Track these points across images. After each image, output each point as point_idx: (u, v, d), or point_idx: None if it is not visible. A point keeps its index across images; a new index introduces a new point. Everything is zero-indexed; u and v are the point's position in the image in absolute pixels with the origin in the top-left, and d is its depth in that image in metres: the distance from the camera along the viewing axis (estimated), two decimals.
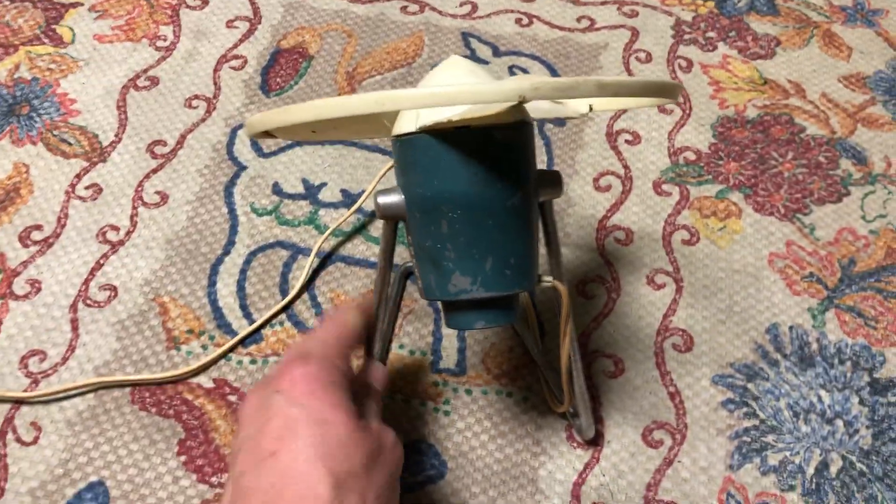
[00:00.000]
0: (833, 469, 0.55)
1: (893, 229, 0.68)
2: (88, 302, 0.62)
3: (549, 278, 0.45)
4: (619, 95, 0.35)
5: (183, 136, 0.72)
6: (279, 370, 0.42)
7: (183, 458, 0.55)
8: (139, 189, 0.68)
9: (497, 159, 0.41)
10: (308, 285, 0.63)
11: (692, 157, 0.72)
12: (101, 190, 0.68)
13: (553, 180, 0.44)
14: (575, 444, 0.56)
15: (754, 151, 0.72)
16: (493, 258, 0.42)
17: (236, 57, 0.78)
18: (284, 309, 0.62)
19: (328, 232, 0.65)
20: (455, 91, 0.33)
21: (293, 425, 0.39)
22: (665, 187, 0.70)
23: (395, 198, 0.43)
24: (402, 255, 0.65)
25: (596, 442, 0.56)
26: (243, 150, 0.71)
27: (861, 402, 0.58)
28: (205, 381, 0.58)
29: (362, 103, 0.34)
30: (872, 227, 0.68)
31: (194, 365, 0.58)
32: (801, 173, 0.71)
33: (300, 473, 0.37)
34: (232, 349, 0.60)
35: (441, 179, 0.41)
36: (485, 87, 0.33)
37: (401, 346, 0.60)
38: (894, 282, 0.65)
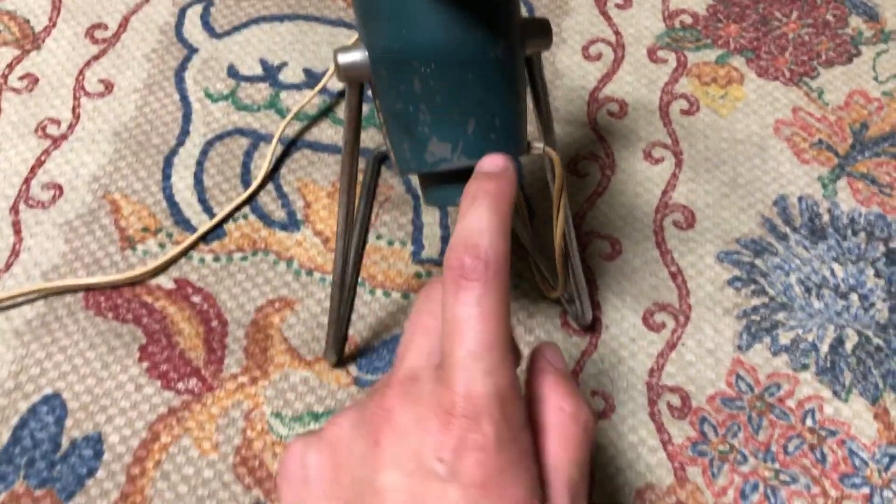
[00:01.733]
0: (848, 345, 0.52)
1: None
2: (31, 202, 0.56)
3: (540, 144, 0.39)
4: None
5: (126, 18, 0.65)
6: (435, 404, 0.28)
7: (145, 364, 0.50)
8: (80, 78, 0.62)
9: (476, 4, 0.35)
10: (272, 174, 0.57)
11: (689, 20, 0.66)
12: (36, 80, 0.61)
13: (541, 29, 0.38)
14: (571, 332, 0.52)
15: (756, 12, 0.66)
16: (475, 120, 0.36)
17: None
18: (248, 201, 0.56)
19: (290, 116, 0.59)
20: None
21: None
22: (661, 54, 0.64)
23: (358, 55, 0.36)
24: (374, 139, 0.59)
25: (593, 328, 0.52)
26: (193, 31, 0.64)
27: (877, 273, 0.54)
28: (165, 281, 0.53)
29: None
30: (885, 89, 0.62)
31: (152, 265, 0.53)
32: (807, 33, 0.65)
33: None
34: (192, 246, 0.54)
35: (410, 27, 0.35)
36: None
37: (378, 237, 0.55)
38: None
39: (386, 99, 0.37)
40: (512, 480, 0.27)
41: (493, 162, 0.35)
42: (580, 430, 0.31)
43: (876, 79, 0.63)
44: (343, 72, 0.37)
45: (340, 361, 0.50)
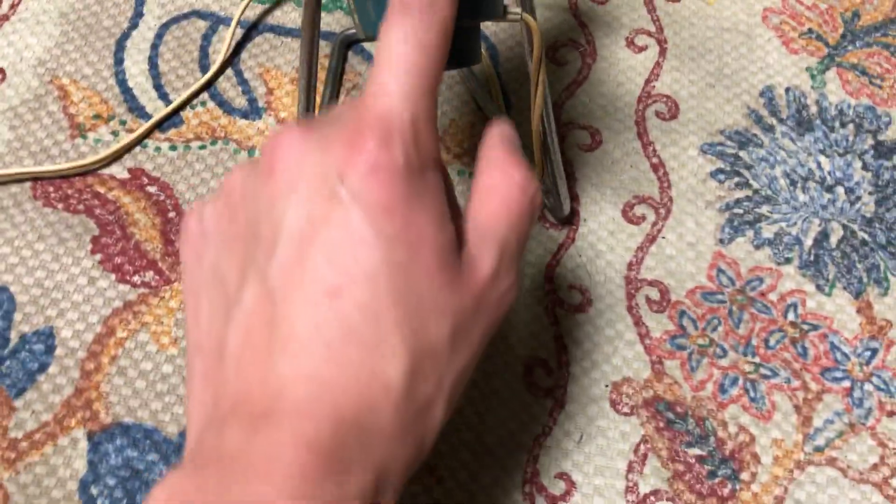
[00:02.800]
0: (833, 239, 0.50)
1: None
2: None
3: (517, 9, 0.36)
4: None
5: None
6: (341, 125, 0.26)
7: (98, 256, 0.47)
8: None
9: None
10: (232, 59, 0.54)
11: None
12: None
13: None
14: (547, 224, 0.50)
15: None
16: None
17: None
18: (206, 87, 0.53)
19: None
20: None
21: (366, 257, 0.25)
22: None
23: None
24: (341, 21, 0.55)
25: (571, 221, 0.50)
26: None
27: (864, 166, 0.52)
28: (118, 171, 0.50)
29: None
30: None
31: (104, 153, 0.50)
32: None
33: (369, 342, 0.25)
34: (147, 134, 0.51)
35: None
36: None
37: None
38: None
39: None
40: (420, 210, 0.26)
41: None
42: (526, 201, 0.29)
43: None
44: None
45: None
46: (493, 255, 0.28)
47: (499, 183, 0.29)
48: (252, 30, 0.55)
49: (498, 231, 0.28)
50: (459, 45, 0.35)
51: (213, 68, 0.53)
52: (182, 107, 0.52)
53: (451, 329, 0.26)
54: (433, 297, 0.26)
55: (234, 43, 0.54)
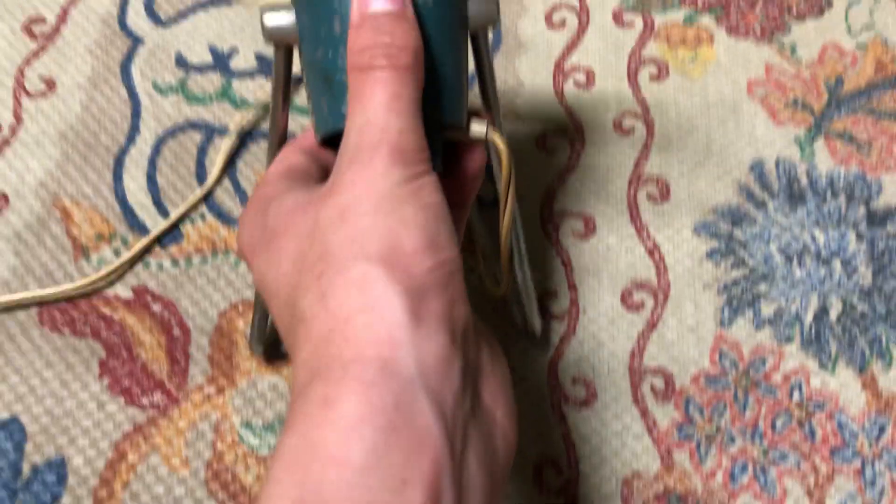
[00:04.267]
0: (833, 314, 0.50)
1: (882, 41, 0.60)
2: None
3: (483, 124, 0.35)
4: None
5: (65, 10, 0.61)
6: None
7: (106, 380, 0.48)
8: (20, 77, 0.58)
9: None
10: (228, 169, 0.55)
11: None
12: None
13: (485, 4, 0.34)
14: (548, 317, 0.50)
15: None
16: None
17: None
18: (204, 199, 0.54)
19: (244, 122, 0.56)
20: None
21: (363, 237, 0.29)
22: (627, 17, 0.61)
23: (286, 17, 0.34)
24: None
25: (545, 340, 0.50)
26: (137, 19, 0.61)
27: (858, 237, 0.53)
28: (123, 291, 0.51)
29: None
30: (859, 41, 0.60)
31: (105, 271, 0.50)
32: None
33: (371, 295, 0.28)
34: (147, 250, 0.52)
35: None
36: None
37: None
38: (886, 100, 0.58)
39: (307, 50, 0.34)
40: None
41: None
42: None
43: (849, 31, 0.61)
44: (269, 33, 0.34)
45: (272, 353, 0.48)
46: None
47: None
48: (246, 137, 0.56)
49: None
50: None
51: (210, 180, 0.54)
52: (180, 220, 0.53)
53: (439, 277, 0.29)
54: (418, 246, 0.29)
55: (230, 152, 0.55)
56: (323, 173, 0.35)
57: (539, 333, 0.48)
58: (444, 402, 0.27)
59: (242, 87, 0.58)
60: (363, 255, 0.28)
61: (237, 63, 0.59)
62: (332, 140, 0.34)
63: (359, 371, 0.26)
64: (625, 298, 0.51)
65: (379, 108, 0.30)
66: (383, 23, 0.30)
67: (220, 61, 0.59)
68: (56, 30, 0.60)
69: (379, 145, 0.29)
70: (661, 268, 0.52)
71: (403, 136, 0.30)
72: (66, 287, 0.50)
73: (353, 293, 0.27)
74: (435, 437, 0.26)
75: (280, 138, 0.39)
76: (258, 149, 0.56)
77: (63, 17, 0.61)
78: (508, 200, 0.37)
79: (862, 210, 0.54)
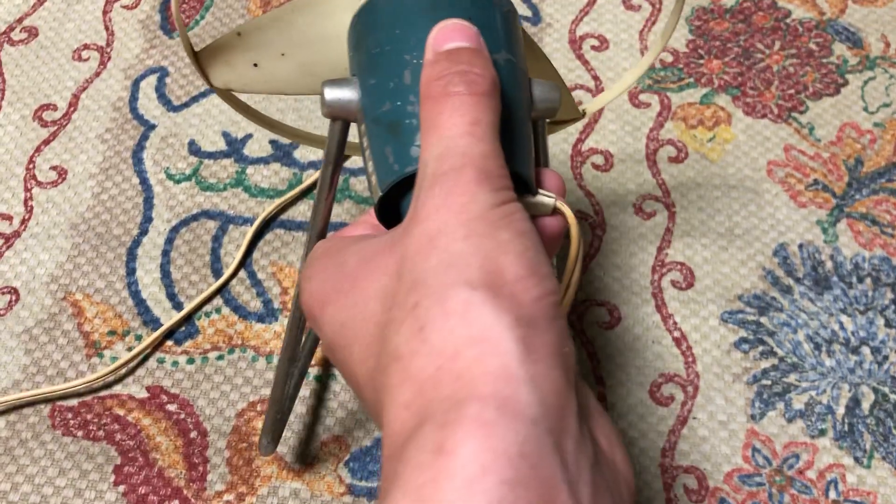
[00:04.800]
0: (865, 405, 0.49)
1: None
2: None
3: (551, 195, 0.32)
4: None
5: (75, 97, 0.61)
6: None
7: (121, 487, 0.46)
8: (30, 166, 0.57)
9: (476, 13, 0.32)
10: (244, 260, 0.54)
11: (669, 58, 0.63)
12: None
13: (550, 90, 0.33)
14: None
15: (737, 45, 0.63)
16: None
17: None
18: (218, 292, 0.52)
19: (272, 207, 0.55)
20: None
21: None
22: (643, 97, 0.61)
23: (348, 92, 0.32)
24: (351, 212, 0.56)
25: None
26: (149, 105, 0.60)
27: (887, 323, 0.52)
28: (137, 390, 0.49)
29: None
30: (877, 119, 0.60)
31: (117, 364, 0.49)
32: (791, 65, 0.62)
33: (477, 325, 0.24)
34: (159, 345, 0.50)
35: (404, 26, 0.32)
36: None
37: None
38: None
39: (372, 109, 0.32)
40: None
41: (459, 30, 0.30)
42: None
43: (866, 109, 0.60)
44: (329, 107, 0.32)
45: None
46: None
47: None
48: (263, 228, 0.55)
49: None
50: None
51: (227, 272, 0.53)
52: (194, 313, 0.52)
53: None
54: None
55: (247, 243, 0.54)
56: None
57: None
58: (565, 448, 0.24)
59: (257, 175, 0.57)
60: (463, 281, 0.24)
61: (251, 149, 0.58)
62: (392, 212, 0.32)
63: (476, 410, 0.23)
64: (653, 392, 0.50)
65: (459, 133, 0.27)
66: (460, 55, 0.29)
67: (234, 147, 0.58)
68: (67, 117, 0.60)
69: (462, 169, 0.27)
70: (689, 358, 0.51)
71: (487, 160, 0.27)
72: (76, 383, 0.49)
73: (457, 324, 0.24)
74: (561, 490, 0.23)
75: (325, 219, 0.37)
76: (274, 237, 0.55)
77: (74, 103, 0.60)
78: (574, 277, 0.32)
79: (889, 295, 0.53)
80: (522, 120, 0.32)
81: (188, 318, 0.52)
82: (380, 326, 0.26)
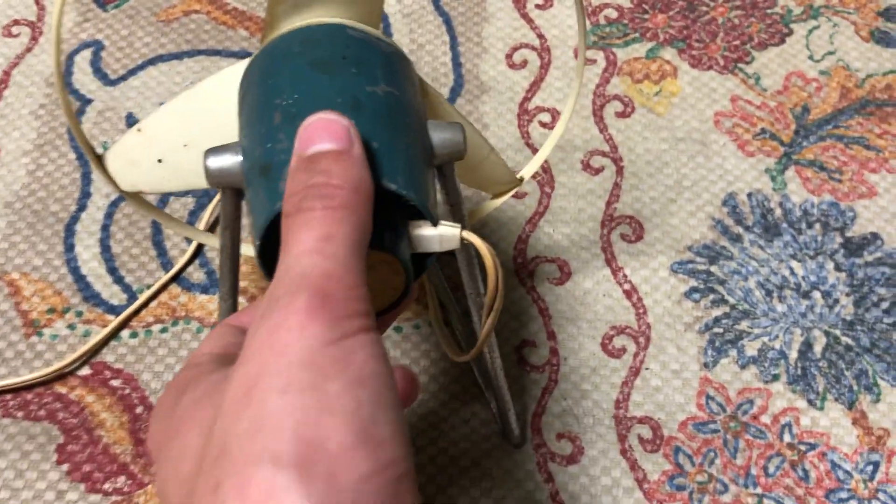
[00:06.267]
0: (817, 348, 0.49)
1: (845, 66, 0.60)
2: None
3: (456, 226, 0.29)
4: None
5: (6, 73, 0.59)
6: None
7: (65, 466, 0.45)
8: None
9: (350, 47, 0.32)
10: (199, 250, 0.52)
11: (614, 14, 0.62)
12: None
13: (452, 136, 0.32)
14: (528, 368, 0.48)
15: None
16: None
17: None
18: (175, 278, 0.51)
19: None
20: None
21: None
22: (589, 54, 0.60)
23: (230, 159, 0.30)
24: None
25: (522, 443, 0.48)
26: (84, 79, 0.59)
27: (837, 267, 0.52)
28: (79, 368, 0.48)
29: None
30: (822, 68, 0.60)
31: (69, 355, 0.48)
32: (736, 16, 0.62)
33: None
34: (113, 335, 0.49)
35: (275, 76, 0.31)
36: None
37: None
38: (853, 125, 0.57)
39: (248, 150, 0.30)
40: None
41: (324, 128, 0.26)
42: None
43: (811, 57, 0.60)
44: (211, 177, 0.31)
45: None
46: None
47: None
48: (203, 197, 0.54)
49: None
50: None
51: (186, 257, 0.51)
52: (150, 300, 0.50)
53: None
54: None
55: (209, 219, 0.53)
56: None
57: (520, 442, 0.46)
58: None
59: None
60: (269, 457, 0.21)
61: None
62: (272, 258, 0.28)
63: None
64: (605, 345, 0.49)
65: (303, 251, 0.24)
66: (320, 163, 0.26)
67: None
68: None
69: (296, 294, 0.23)
70: (640, 310, 0.50)
71: (330, 281, 0.23)
72: (18, 368, 0.47)
73: None
74: None
75: (231, 291, 0.36)
76: (219, 206, 0.54)
77: (5, 79, 0.58)
78: (494, 307, 0.31)
79: (838, 239, 0.53)
80: (412, 146, 0.30)
81: (131, 294, 0.50)
82: (189, 496, 0.22)
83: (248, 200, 0.31)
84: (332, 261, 0.24)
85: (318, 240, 0.24)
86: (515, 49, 0.60)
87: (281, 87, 0.30)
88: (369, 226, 0.26)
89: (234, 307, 0.37)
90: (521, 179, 0.43)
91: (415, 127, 0.31)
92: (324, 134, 0.26)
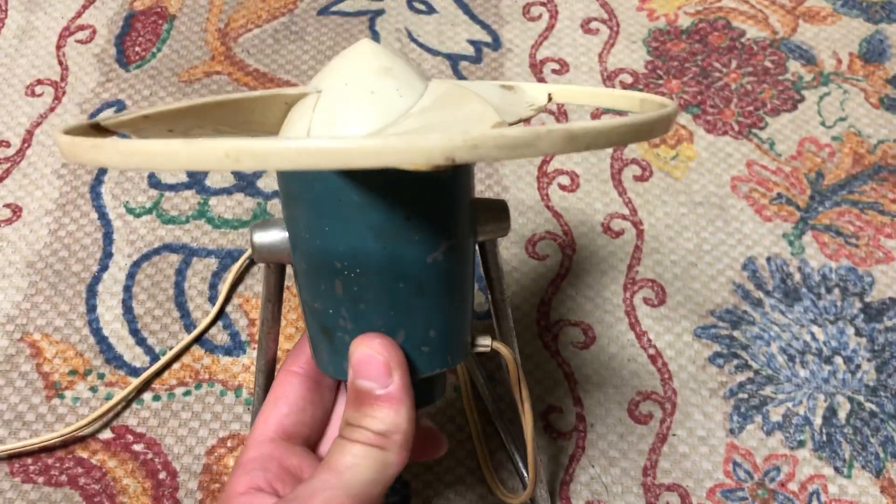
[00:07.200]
0: (841, 414, 0.49)
1: (856, 132, 0.61)
2: None
3: (487, 340, 0.34)
4: (597, 147, 0.23)
5: (29, 132, 0.59)
6: None
7: None
8: None
9: (416, 201, 0.29)
10: (226, 304, 0.52)
11: (629, 79, 0.63)
12: None
13: (497, 215, 0.32)
14: (555, 435, 0.48)
15: (695, 65, 0.64)
16: (405, 332, 0.30)
17: (82, 27, 0.65)
18: (197, 340, 0.51)
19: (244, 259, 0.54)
20: (352, 147, 0.19)
21: None
22: (605, 118, 0.61)
23: (277, 235, 0.31)
24: None
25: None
26: None
27: (857, 332, 0.52)
28: (100, 430, 0.47)
29: (201, 155, 0.19)
30: (834, 133, 0.61)
31: (89, 416, 0.47)
32: (749, 83, 0.63)
33: None
34: (135, 396, 0.48)
35: (334, 225, 0.29)
36: (398, 145, 0.19)
37: None
38: (867, 191, 0.58)
39: (304, 292, 0.31)
40: None
41: (367, 363, 0.30)
42: None
43: (823, 123, 0.62)
44: (258, 252, 0.31)
45: None
46: None
47: None
48: (226, 258, 0.54)
49: None
50: (423, 392, 0.33)
51: (210, 315, 0.51)
52: (173, 362, 0.50)
53: None
54: None
55: (238, 274, 0.53)
56: (327, 396, 0.35)
57: None
58: None
59: (220, 206, 0.56)
60: None
61: (213, 179, 0.57)
62: None
63: None
64: (631, 410, 0.49)
65: (338, 481, 0.29)
66: (364, 402, 0.30)
67: (196, 179, 0.57)
68: (20, 153, 0.58)
69: None
70: (665, 375, 0.50)
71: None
72: (39, 431, 0.47)
73: None
74: None
75: (269, 364, 0.37)
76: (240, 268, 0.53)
77: (28, 139, 0.59)
78: (525, 402, 0.35)
79: (858, 304, 0.53)
80: (465, 299, 0.32)
81: (153, 356, 0.50)
82: None
83: (304, 320, 0.32)
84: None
85: (364, 483, 0.29)
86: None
87: (339, 250, 0.29)
88: (402, 460, 0.30)
89: (269, 379, 0.37)
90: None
91: (465, 246, 0.31)
92: (368, 370, 0.30)
